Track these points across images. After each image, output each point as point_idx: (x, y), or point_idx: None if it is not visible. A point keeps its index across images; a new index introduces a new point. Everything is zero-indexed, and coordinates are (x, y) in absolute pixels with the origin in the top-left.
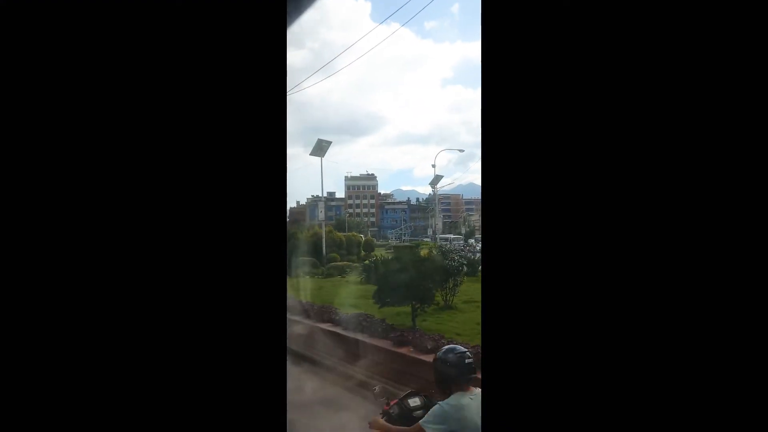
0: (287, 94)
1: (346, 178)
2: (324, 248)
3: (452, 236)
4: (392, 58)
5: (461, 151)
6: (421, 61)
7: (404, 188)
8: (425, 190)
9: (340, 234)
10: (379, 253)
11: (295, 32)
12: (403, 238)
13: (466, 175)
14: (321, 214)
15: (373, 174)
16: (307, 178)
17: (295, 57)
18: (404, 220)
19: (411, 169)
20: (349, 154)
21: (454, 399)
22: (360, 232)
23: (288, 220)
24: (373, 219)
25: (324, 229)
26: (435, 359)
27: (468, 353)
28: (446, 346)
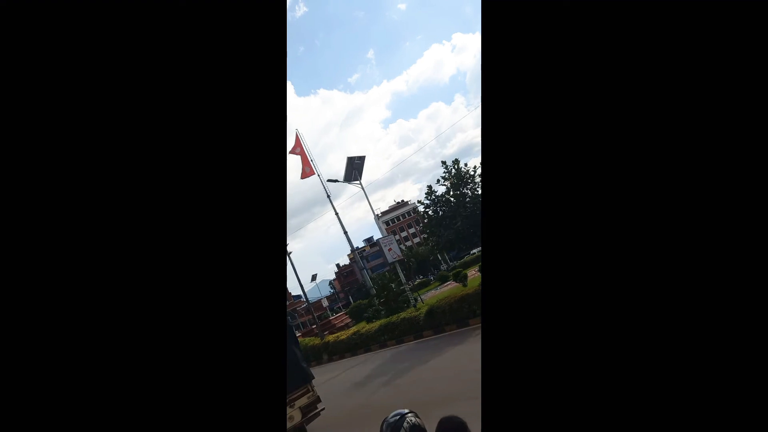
0: None
1: (377, 217)
2: None
3: None
4: (330, 122)
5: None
6: (357, 114)
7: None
8: None
9: None
10: None
11: None
12: None
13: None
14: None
15: (402, 201)
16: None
17: None
18: None
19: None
20: (323, 222)
21: None
22: None
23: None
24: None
25: None
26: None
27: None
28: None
